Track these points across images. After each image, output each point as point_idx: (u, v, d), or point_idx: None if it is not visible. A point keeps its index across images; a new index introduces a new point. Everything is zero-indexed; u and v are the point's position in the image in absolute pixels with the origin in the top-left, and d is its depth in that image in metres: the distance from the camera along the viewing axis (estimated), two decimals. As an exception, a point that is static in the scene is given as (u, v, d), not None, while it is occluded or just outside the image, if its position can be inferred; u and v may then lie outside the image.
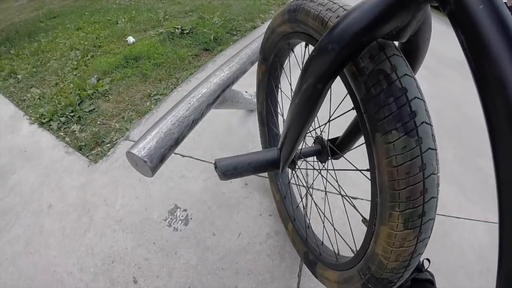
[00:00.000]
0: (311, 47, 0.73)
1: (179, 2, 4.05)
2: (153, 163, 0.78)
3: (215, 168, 0.86)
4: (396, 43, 0.52)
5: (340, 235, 0.99)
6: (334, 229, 1.01)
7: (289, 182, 1.29)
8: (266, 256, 1.23)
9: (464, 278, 1.26)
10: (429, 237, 0.54)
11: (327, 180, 1.04)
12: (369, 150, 0.56)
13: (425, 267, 1.11)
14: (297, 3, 0.69)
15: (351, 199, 0.94)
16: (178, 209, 1.37)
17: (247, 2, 3.97)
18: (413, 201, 0.49)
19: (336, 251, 0.95)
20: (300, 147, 0.95)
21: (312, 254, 1.03)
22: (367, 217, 0.67)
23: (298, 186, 1.32)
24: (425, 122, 0.47)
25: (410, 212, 0.50)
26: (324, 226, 1.10)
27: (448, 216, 1.48)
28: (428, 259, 1.10)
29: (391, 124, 0.47)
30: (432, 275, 1.10)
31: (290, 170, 1.11)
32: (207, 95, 0.98)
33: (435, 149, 0.49)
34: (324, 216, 1.14)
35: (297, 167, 1.04)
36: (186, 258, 1.21)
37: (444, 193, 1.55)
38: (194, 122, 0.91)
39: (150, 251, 1.23)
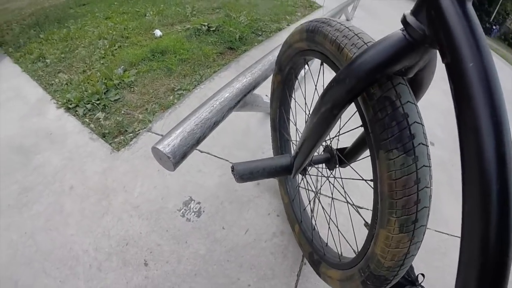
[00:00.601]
0: (325, 65, 0.81)
1: (206, -2, 4.10)
2: (175, 159, 0.84)
3: (232, 171, 0.92)
4: None
5: (344, 237, 1.06)
6: (339, 230, 1.08)
7: (298, 186, 1.34)
8: (270, 254, 1.29)
9: None
10: (421, 241, 0.62)
11: (334, 186, 1.11)
12: (373, 164, 0.64)
13: (419, 282, 1.15)
14: (315, 25, 0.76)
15: (356, 207, 1.00)
16: (193, 201, 1.43)
17: (274, 2, 4.00)
18: (408, 209, 0.57)
19: (340, 253, 1.02)
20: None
21: (316, 254, 1.09)
22: (369, 222, 0.75)
23: (306, 191, 1.37)
24: (422, 143, 0.55)
25: (405, 219, 0.58)
26: (329, 228, 1.17)
27: (451, 235, 1.51)
28: (423, 274, 1.13)
29: (393, 144, 0.55)
30: (425, 290, 1.14)
31: (299, 176, 1.17)
32: (229, 99, 1.04)
33: (429, 166, 0.56)
34: (330, 219, 1.20)
35: (307, 173, 1.10)
36: (196, 247, 1.27)
37: (449, 210, 1.59)
38: (216, 123, 0.98)
39: (162, 237, 1.29)
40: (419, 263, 1.27)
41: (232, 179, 1.50)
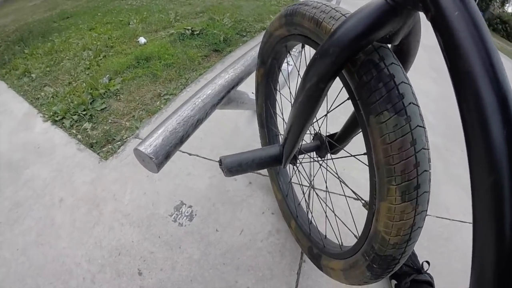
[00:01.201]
0: (307, 48, 0.80)
1: (190, 3, 4.10)
2: (158, 160, 0.81)
3: (220, 165, 0.90)
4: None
5: (343, 223, 1.02)
6: (336, 216, 1.05)
7: (290, 181, 1.32)
8: (267, 253, 1.26)
9: (465, 282, 1.24)
10: (426, 210, 0.58)
11: (328, 171, 1.07)
12: (365, 134, 0.61)
13: (425, 269, 1.13)
14: (292, 8, 0.76)
15: (352, 190, 0.97)
16: (184, 205, 1.40)
17: (257, 3, 4.00)
18: (407, 173, 0.54)
19: (340, 242, 0.98)
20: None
21: (316, 248, 1.06)
22: (367, 202, 0.72)
23: (300, 185, 1.35)
24: (413, 103, 0.53)
25: (406, 185, 0.54)
26: (327, 218, 1.13)
27: (452, 220, 1.49)
28: (427, 262, 1.12)
29: (382, 105, 0.53)
30: (431, 277, 1.12)
31: (290, 169, 1.14)
32: (211, 96, 1.01)
33: (424, 127, 0.54)
34: (327, 207, 1.17)
35: (298, 161, 1.07)
36: (190, 252, 1.24)
37: (449, 196, 1.58)
38: (199, 121, 0.95)
39: (155, 244, 1.27)
40: (423, 250, 1.26)
41: (223, 180, 1.48)
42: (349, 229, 0.96)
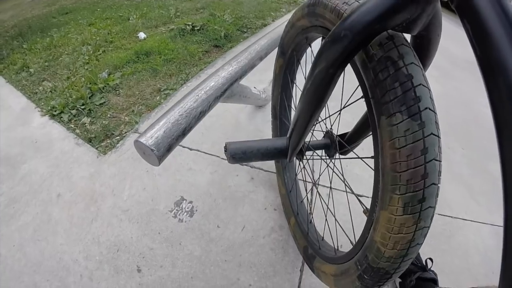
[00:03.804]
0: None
1: (190, -1, 4.08)
2: (160, 152, 0.79)
3: (225, 151, 0.89)
4: (408, 38, 0.54)
5: (341, 227, 0.99)
6: (335, 218, 1.02)
7: (296, 176, 1.30)
8: (269, 250, 1.23)
9: (468, 280, 1.25)
10: (429, 227, 0.54)
11: (333, 171, 1.05)
12: (375, 136, 0.58)
13: (429, 267, 1.11)
14: None
15: (356, 195, 0.94)
16: (184, 201, 1.38)
17: (258, 0, 3.98)
18: (413, 184, 0.50)
19: (336, 247, 0.95)
20: (309, 140, 0.98)
21: (311, 248, 1.04)
22: (368, 209, 0.69)
23: (304, 182, 1.33)
24: (429, 108, 0.49)
25: (410, 196, 0.51)
26: (326, 221, 1.11)
27: (455, 217, 1.47)
28: (431, 259, 1.10)
29: (396, 107, 0.50)
30: (435, 274, 1.10)
31: (297, 164, 1.12)
32: (214, 88, 0.99)
33: (438, 136, 0.50)
34: (328, 209, 1.15)
35: (305, 157, 1.05)
36: (190, 249, 1.22)
37: (451, 194, 1.56)
38: (202, 114, 0.93)
39: (155, 241, 1.24)
40: (425, 247, 1.24)
41: (225, 175, 1.46)
42: (345, 234, 0.94)
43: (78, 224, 1.32)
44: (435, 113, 0.50)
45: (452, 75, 2.81)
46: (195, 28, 2.93)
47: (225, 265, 1.18)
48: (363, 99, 0.61)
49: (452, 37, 2.95)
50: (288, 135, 0.86)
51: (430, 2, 0.47)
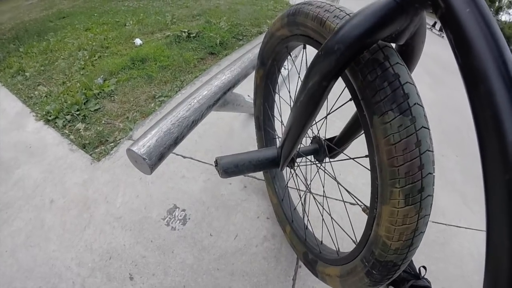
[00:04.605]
0: (308, 48, 0.79)
1: (187, 6, 4.09)
2: (151, 161, 0.79)
3: (216, 165, 0.88)
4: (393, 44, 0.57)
5: (341, 228, 0.99)
6: (332, 220, 1.03)
7: (286, 185, 1.30)
8: (262, 259, 1.23)
9: (462, 287, 1.26)
10: (429, 214, 0.57)
11: (325, 173, 1.05)
12: (368, 136, 0.60)
13: (422, 275, 1.12)
14: (296, 7, 0.75)
15: (352, 195, 0.94)
16: (177, 209, 1.38)
17: (254, 7, 4.00)
18: (412, 176, 0.52)
19: (337, 248, 0.95)
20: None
21: (311, 253, 1.04)
22: (368, 206, 0.70)
23: (297, 188, 1.33)
24: (417, 103, 0.52)
25: (410, 188, 0.53)
26: (323, 222, 1.11)
27: (448, 225, 1.48)
28: (424, 267, 1.11)
29: (387, 105, 0.52)
30: (429, 282, 1.11)
31: (287, 173, 1.12)
32: (207, 97, 0.99)
33: (428, 129, 0.53)
34: (323, 210, 1.15)
35: (296, 164, 1.06)
36: (183, 257, 1.22)
37: (445, 201, 1.57)
38: (194, 123, 0.93)
39: (147, 249, 1.24)
40: (419, 256, 1.26)
41: (218, 183, 1.46)
42: (347, 234, 0.94)
43: (70, 231, 1.32)
44: (423, 107, 0.53)
45: (445, 82, 2.84)
46: (191, 35, 2.94)
47: (218, 273, 1.18)
48: (351, 102, 0.64)
49: (445, 44, 2.98)
50: (280, 145, 0.87)
51: (418, 13, 0.49)
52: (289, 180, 1.28)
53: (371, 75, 0.54)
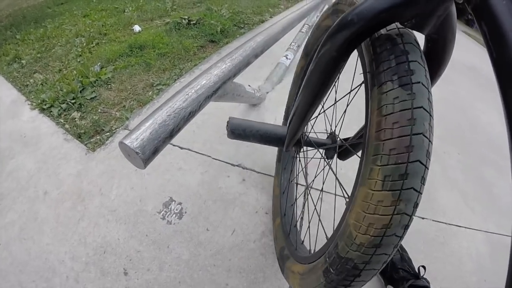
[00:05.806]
0: None
1: (187, -7, 4.03)
2: (145, 155, 0.75)
3: (227, 125, 0.94)
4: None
5: (322, 226, 0.92)
6: (319, 220, 0.98)
7: (291, 180, 1.29)
8: (260, 255, 1.21)
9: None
10: (411, 216, 0.48)
11: (330, 167, 1.02)
12: (366, 115, 0.56)
13: (421, 274, 1.10)
14: None
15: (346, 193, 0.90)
16: (173, 202, 1.35)
17: (256, -5, 3.94)
18: (396, 155, 0.46)
19: (314, 249, 0.91)
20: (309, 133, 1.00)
21: (288, 249, 1.00)
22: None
23: (296, 182, 1.32)
24: (423, 83, 0.48)
25: (391, 168, 0.47)
26: (320, 223, 1.06)
27: (449, 224, 1.46)
28: (423, 266, 1.09)
29: (388, 75, 0.50)
30: (428, 282, 1.09)
31: (294, 168, 1.10)
32: (206, 86, 0.95)
33: (430, 115, 0.48)
34: (315, 209, 1.13)
35: (301, 150, 1.06)
36: (178, 252, 1.20)
37: (446, 200, 1.54)
38: (191, 114, 0.89)
39: (142, 243, 1.21)
40: (418, 254, 1.24)
41: (216, 176, 1.44)
42: (325, 232, 0.88)
43: (64, 224, 1.29)
44: (430, 92, 0.49)
45: (450, 79, 2.79)
46: (191, 22, 2.88)
47: (214, 269, 1.16)
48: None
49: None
50: (288, 122, 0.86)
51: (443, 1, 0.47)
52: (296, 176, 1.29)
53: (380, 48, 0.53)
